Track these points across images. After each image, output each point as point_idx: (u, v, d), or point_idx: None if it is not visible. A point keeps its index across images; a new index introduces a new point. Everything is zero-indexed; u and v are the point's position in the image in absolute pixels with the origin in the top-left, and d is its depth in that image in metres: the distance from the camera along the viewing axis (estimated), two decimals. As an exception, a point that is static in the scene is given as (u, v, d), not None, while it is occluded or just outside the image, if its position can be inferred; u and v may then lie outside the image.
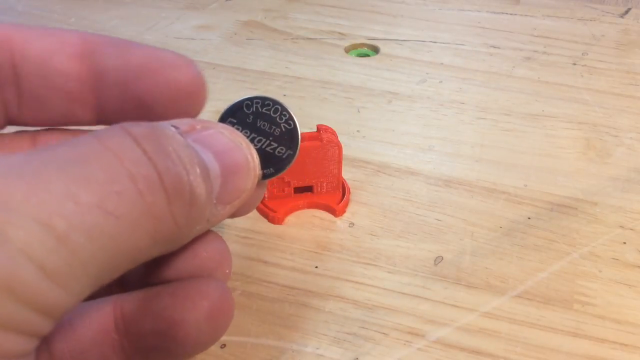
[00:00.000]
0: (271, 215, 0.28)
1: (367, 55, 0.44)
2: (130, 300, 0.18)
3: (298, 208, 0.29)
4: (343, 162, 0.29)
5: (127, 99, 0.18)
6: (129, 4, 0.51)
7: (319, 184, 0.29)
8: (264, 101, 0.21)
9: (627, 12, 0.51)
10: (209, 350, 0.22)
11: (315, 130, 0.28)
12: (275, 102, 0.21)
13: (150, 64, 0.18)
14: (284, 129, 0.21)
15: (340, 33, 0.47)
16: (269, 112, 0.21)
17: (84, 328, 0.17)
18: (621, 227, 0.28)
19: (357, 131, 0.35)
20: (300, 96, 0.38)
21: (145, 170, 0.14)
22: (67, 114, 0.19)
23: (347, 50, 0.44)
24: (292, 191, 0.29)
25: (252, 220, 0.28)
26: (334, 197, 0.29)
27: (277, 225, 0.28)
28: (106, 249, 0.13)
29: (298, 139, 0.21)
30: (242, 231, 0.28)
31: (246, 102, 0.21)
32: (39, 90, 0.18)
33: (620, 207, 0.29)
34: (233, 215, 0.19)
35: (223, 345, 0.22)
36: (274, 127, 0.21)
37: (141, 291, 0.18)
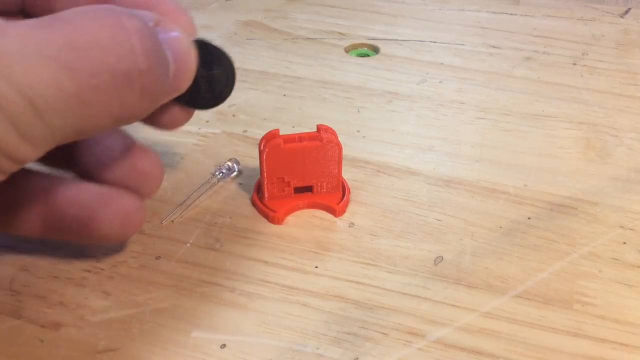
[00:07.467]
0: (271, 215, 0.28)
1: (367, 55, 0.44)
2: (68, 184, 0.22)
3: (298, 208, 0.29)
4: (343, 162, 0.29)
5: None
6: (129, 4, 0.51)
7: (319, 184, 0.29)
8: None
9: (627, 12, 0.51)
10: (208, 351, 0.22)
11: (315, 130, 0.28)
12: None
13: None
14: (224, 83, 0.23)
15: (340, 33, 0.47)
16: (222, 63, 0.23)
17: (27, 189, 0.22)
18: (621, 227, 0.28)
19: (357, 131, 0.35)
20: (300, 96, 0.38)
21: (126, 66, 0.17)
22: None
23: (347, 50, 0.44)
24: (292, 191, 0.29)
25: (252, 220, 0.28)
26: (334, 197, 0.29)
27: (277, 225, 0.28)
28: (74, 125, 0.17)
29: (226, 95, 0.23)
30: (242, 231, 0.28)
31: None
32: None
33: (620, 207, 0.29)
34: (161, 125, 0.23)
35: (223, 345, 0.22)
36: (219, 73, 0.23)
37: (78, 180, 0.23)
